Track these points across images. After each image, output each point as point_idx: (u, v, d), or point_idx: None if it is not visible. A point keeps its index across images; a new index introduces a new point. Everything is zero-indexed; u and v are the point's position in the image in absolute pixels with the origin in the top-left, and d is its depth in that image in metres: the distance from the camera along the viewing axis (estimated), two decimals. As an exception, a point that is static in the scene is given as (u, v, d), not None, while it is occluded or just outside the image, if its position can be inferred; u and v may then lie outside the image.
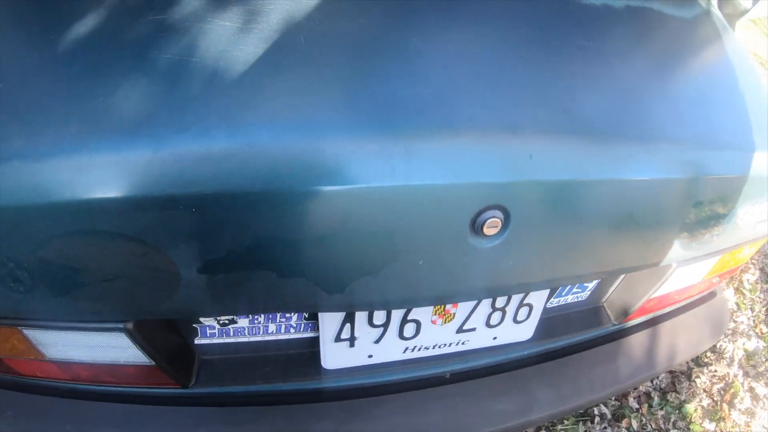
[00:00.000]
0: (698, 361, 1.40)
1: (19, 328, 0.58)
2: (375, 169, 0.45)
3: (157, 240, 0.48)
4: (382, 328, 0.66)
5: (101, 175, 0.44)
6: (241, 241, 0.48)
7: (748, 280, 1.65)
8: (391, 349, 0.70)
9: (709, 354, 1.42)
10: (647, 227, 0.64)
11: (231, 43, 0.51)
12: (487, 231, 0.50)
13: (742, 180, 0.67)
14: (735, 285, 1.62)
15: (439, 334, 0.70)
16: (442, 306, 0.66)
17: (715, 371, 1.38)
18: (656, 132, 0.61)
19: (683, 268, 0.78)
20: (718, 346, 1.44)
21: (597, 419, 1.18)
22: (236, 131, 0.45)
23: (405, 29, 0.54)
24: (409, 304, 0.58)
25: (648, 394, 1.29)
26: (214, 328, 0.67)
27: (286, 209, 0.46)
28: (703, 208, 0.67)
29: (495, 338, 0.74)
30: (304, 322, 0.68)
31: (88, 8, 0.54)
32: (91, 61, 0.50)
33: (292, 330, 0.69)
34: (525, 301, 0.70)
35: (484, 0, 0.61)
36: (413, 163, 0.46)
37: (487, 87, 0.52)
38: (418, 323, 0.67)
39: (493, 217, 0.50)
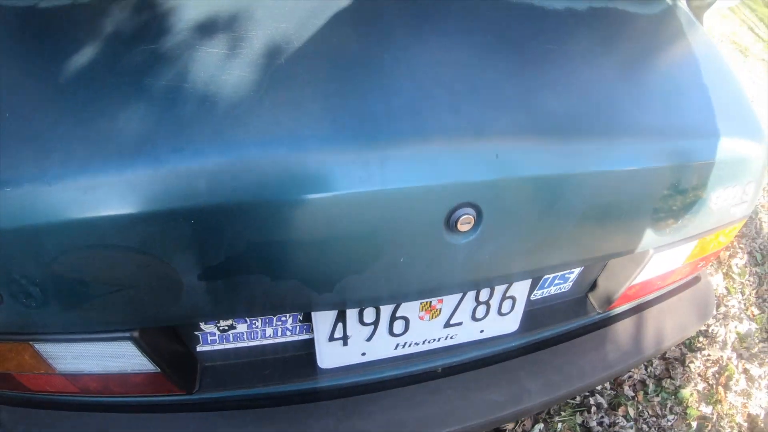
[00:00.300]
0: (691, 347, 1.44)
1: (31, 343, 0.62)
2: (354, 176, 0.50)
3: (160, 251, 0.52)
4: (372, 326, 0.70)
5: (106, 194, 0.49)
6: (236, 248, 0.53)
7: (736, 265, 1.69)
8: (383, 346, 0.74)
9: (701, 339, 1.46)
10: (618, 216, 0.69)
11: (219, 67, 0.56)
12: (461, 227, 0.55)
13: (711, 166, 0.72)
14: (724, 270, 1.67)
15: (427, 329, 0.74)
16: (428, 302, 0.70)
17: (709, 355, 1.42)
18: (621, 125, 0.66)
19: (661, 254, 0.83)
20: (710, 330, 1.48)
21: (593, 409, 1.22)
22: (227, 148, 0.50)
23: (376, 46, 0.59)
24: (395, 300, 0.63)
25: (643, 382, 1.33)
26: (214, 334, 0.72)
27: (276, 217, 0.51)
28: (674, 195, 0.72)
29: (482, 331, 0.78)
30: (299, 324, 0.72)
31: (88, 41, 0.59)
32: (93, 89, 0.54)
33: (288, 333, 0.73)
34: (508, 294, 0.74)
35: (448, 12, 0.66)
36: (388, 169, 0.51)
37: (453, 93, 0.57)
38: (406, 320, 0.71)
39: (466, 214, 0.55)
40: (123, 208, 0.49)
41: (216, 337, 0.72)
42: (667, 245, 0.81)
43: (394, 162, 0.51)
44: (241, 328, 0.71)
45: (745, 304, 1.59)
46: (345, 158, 0.50)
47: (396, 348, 0.75)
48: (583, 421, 1.20)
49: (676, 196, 0.72)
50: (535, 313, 0.85)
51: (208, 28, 0.60)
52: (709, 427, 1.28)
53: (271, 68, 0.56)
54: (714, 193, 0.76)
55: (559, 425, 1.17)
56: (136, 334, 0.62)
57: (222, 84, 0.54)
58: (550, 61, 0.68)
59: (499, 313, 0.77)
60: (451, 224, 0.55)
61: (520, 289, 0.75)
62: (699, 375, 1.38)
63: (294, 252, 0.54)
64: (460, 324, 0.75)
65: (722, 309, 1.54)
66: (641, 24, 0.85)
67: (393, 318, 0.70)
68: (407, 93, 0.55)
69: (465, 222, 0.55)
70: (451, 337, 0.77)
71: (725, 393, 1.36)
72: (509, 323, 0.79)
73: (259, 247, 0.53)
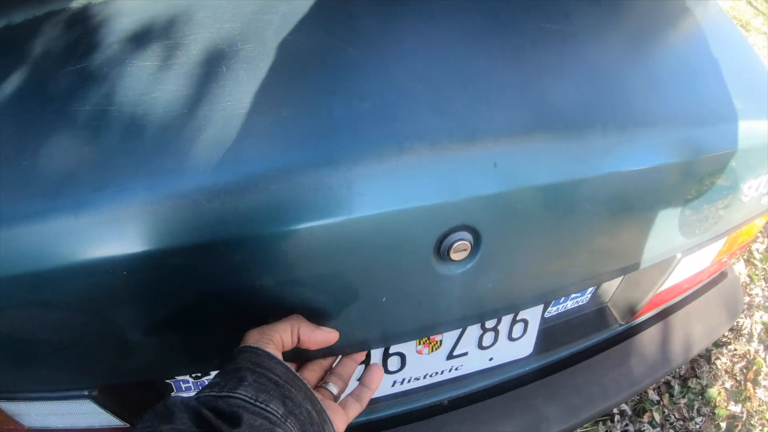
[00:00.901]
0: (716, 342, 1.27)
1: (-9, 401, 0.52)
2: (314, 205, 0.37)
3: (95, 306, 0.41)
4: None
5: (28, 246, 0.38)
6: (179, 300, 0.41)
7: (757, 250, 1.51)
8: (378, 385, 0.61)
9: (726, 333, 1.29)
10: (641, 222, 0.55)
11: (149, 83, 0.43)
12: (454, 256, 0.42)
13: (742, 153, 0.57)
14: (744, 257, 1.49)
15: (427, 363, 0.61)
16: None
17: (735, 350, 1.25)
18: (640, 116, 0.51)
19: (689, 257, 0.68)
20: (735, 323, 1.31)
21: (617, 417, 1.07)
22: (155, 182, 0.38)
23: (337, 39, 0.45)
24: (383, 344, 0.50)
25: (668, 384, 1.17)
26: (188, 382, 0.60)
27: (220, 262, 0.38)
28: (701, 190, 0.57)
29: (491, 359, 0.65)
30: (280, 367, 0.60)
31: (7, 68, 0.47)
32: (12, 123, 0.43)
33: (269, 376, 0.61)
34: (518, 318, 0.61)
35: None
36: (355, 193, 0.37)
37: (436, 90, 0.43)
38: (402, 356, 0.58)
39: (460, 240, 0.41)
40: (48, 262, 0.38)
41: (190, 384, 0.60)
42: (696, 247, 0.66)
43: (363, 183, 0.38)
44: (215, 374, 0.59)
45: (769, 291, 1.41)
46: (301, 183, 0.37)
47: (393, 385, 0.62)
48: (606, 431, 1.06)
49: (705, 191, 0.58)
50: (550, 332, 0.72)
51: (139, 39, 0.47)
52: (740, 427, 1.13)
53: (210, 78, 0.43)
54: (745, 184, 0.61)
55: (580, 437, 1.03)
56: (94, 392, 0.51)
57: (152, 103, 0.42)
58: (550, 44, 0.53)
59: (510, 338, 0.63)
60: (442, 253, 0.42)
61: (533, 311, 0.62)
62: (726, 371, 1.22)
63: (251, 299, 0.41)
64: (465, 354, 0.62)
65: (746, 299, 1.37)
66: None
67: (386, 355, 0.57)
68: (377, 94, 0.41)
69: (459, 249, 0.41)
70: (456, 369, 0.64)
71: (754, 389, 1.20)
72: (522, 347, 0.66)
73: (206, 297, 0.41)
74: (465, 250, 0.42)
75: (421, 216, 0.39)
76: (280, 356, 0.37)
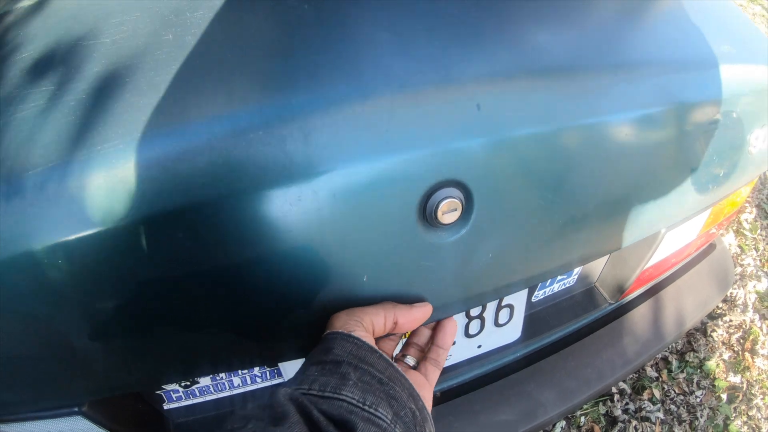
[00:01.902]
0: (711, 314, 1.25)
1: (-16, 424, 0.51)
2: (264, 164, 0.31)
3: (54, 321, 0.38)
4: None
5: None
6: (133, 301, 0.37)
7: (746, 220, 1.49)
8: (368, 381, 0.59)
9: (721, 305, 1.27)
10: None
11: (92, 61, 0.39)
12: (443, 218, 0.35)
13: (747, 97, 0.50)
14: (734, 227, 1.47)
15: (415, 355, 0.59)
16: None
17: (731, 321, 1.23)
18: (634, 58, 0.45)
19: (673, 231, 0.66)
20: (729, 294, 1.29)
21: (617, 397, 1.06)
22: (89, 156, 0.32)
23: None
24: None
25: (665, 359, 1.16)
26: (177, 391, 0.58)
27: (169, 240, 0.33)
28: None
29: (479, 347, 0.63)
30: (268, 369, 0.59)
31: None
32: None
33: (258, 380, 0.59)
34: (503, 303, 0.59)
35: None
36: (315, 146, 0.32)
37: (403, 38, 0.38)
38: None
39: (449, 197, 0.35)
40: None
41: (180, 394, 0.59)
42: (679, 221, 0.64)
43: (323, 133, 0.32)
44: (205, 381, 0.58)
45: (760, 261, 1.39)
46: (247, 139, 0.31)
47: (384, 380, 0.60)
48: (607, 411, 1.04)
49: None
50: (538, 316, 0.70)
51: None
52: (740, 397, 1.11)
53: (155, 41, 0.38)
54: (752, 135, 0.55)
55: (582, 419, 1.01)
56: (84, 407, 0.50)
57: (89, 74, 0.37)
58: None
59: (496, 324, 0.62)
60: (429, 215, 0.35)
61: (518, 295, 0.60)
62: (723, 343, 1.20)
63: (212, 285, 0.36)
64: (452, 344, 0.60)
65: (738, 269, 1.35)
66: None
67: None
68: (336, 46, 0.37)
69: (449, 209, 0.35)
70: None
71: (752, 358, 1.18)
72: (510, 333, 0.64)
73: (161, 299, 0.36)
74: (456, 209, 0.36)
75: (395, 170, 0.33)
76: (374, 344, 0.33)
